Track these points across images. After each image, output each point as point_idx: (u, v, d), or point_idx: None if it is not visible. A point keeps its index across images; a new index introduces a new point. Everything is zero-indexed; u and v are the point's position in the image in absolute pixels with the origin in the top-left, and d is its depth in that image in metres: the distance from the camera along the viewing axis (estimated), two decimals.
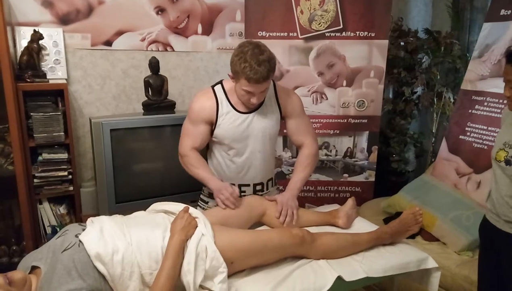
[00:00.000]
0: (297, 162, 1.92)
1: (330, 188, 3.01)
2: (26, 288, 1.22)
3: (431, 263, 1.66)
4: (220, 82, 1.83)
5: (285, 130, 1.95)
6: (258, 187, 1.90)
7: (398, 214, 2.39)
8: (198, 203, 2.00)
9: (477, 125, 2.58)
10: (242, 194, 1.85)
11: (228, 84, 1.79)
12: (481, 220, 1.69)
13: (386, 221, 2.44)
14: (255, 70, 1.57)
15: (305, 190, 3.00)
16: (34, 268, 1.30)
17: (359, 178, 3.01)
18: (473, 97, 2.64)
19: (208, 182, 1.79)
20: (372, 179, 3.02)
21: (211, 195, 1.89)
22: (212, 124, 1.78)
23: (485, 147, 2.50)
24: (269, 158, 1.91)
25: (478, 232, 1.73)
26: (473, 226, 2.17)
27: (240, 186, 1.85)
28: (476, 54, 2.69)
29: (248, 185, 1.87)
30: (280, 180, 2.97)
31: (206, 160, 1.91)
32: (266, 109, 1.80)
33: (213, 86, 1.82)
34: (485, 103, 2.57)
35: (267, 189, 1.94)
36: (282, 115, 1.86)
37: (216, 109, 1.76)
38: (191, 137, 1.80)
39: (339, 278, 1.48)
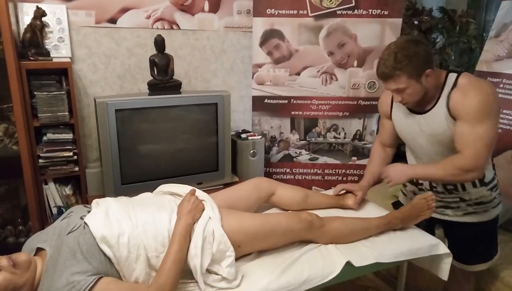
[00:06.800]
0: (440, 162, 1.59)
1: (338, 171, 2.96)
2: (31, 270, 1.20)
3: (442, 249, 1.63)
4: None
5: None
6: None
7: None
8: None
9: None
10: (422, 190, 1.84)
11: None
12: None
13: (395, 205, 2.40)
14: (380, 65, 1.48)
15: (313, 173, 2.96)
16: (39, 250, 1.29)
17: None
18: (488, 78, 2.56)
19: None
20: None
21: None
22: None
23: (499, 130, 2.43)
24: None
25: None
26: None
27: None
28: (493, 33, 2.60)
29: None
30: (287, 162, 2.96)
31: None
32: (437, 110, 1.55)
33: None
34: (501, 85, 2.50)
35: None
36: (452, 117, 1.52)
37: (390, 103, 1.75)
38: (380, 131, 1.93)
39: (348, 263, 1.45)
